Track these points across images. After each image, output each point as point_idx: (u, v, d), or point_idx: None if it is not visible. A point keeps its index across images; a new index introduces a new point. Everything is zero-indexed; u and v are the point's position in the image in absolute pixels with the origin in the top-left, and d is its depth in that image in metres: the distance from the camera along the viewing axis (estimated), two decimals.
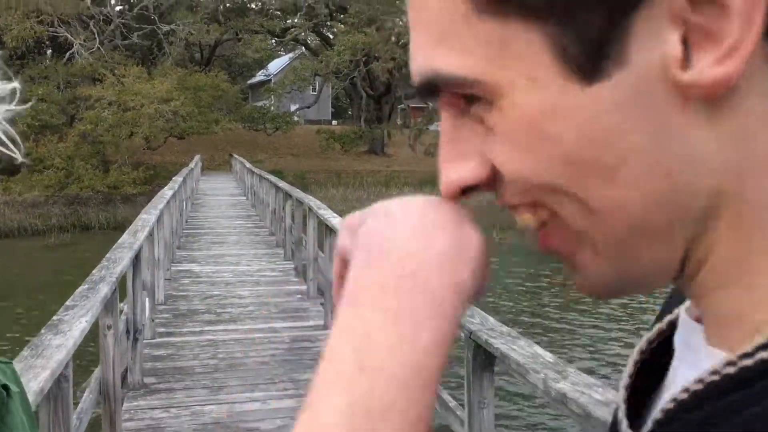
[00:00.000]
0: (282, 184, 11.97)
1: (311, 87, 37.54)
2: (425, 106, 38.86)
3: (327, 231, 6.84)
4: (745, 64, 0.31)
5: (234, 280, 9.17)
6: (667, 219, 0.34)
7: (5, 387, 0.95)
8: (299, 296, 8.29)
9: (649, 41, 0.31)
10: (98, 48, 29.83)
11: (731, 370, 0.33)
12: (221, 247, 11.89)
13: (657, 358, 0.44)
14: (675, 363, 0.41)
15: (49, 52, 34.97)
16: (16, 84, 1.01)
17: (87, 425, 3.44)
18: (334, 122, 45.35)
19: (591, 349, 9.28)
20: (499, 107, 0.34)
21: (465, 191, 0.38)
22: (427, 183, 28.63)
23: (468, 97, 0.35)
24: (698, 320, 0.41)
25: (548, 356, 2.34)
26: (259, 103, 37.71)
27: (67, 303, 3.12)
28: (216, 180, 26.80)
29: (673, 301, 0.46)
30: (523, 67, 0.33)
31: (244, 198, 20.27)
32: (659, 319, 0.47)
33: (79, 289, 3.44)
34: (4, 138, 0.96)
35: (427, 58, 0.35)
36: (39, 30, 28.10)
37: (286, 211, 10.61)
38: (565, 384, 2.06)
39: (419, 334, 0.35)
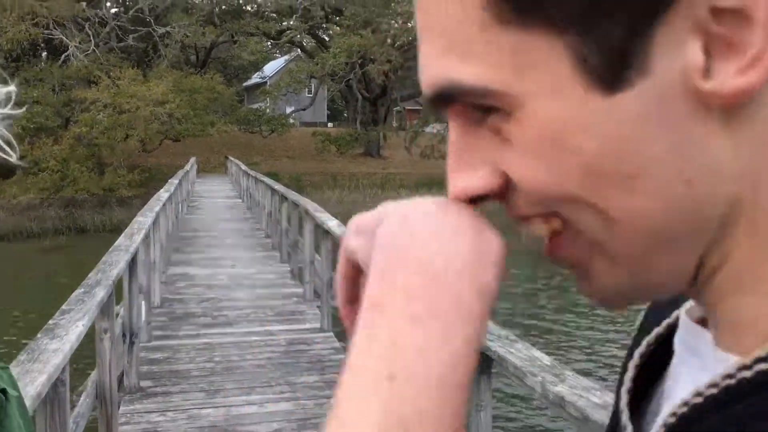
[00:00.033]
0: (278, 186, 11.96)
1: (307, 89, 37.52)
2: (421, 108, 38.88)
3: (323, 234, 6.83)
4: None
5: (230, 283, 9.15)
6: (686, 227, 0.34)
7: (3, 391, 0.95)
8: (295, 299, 8.28)
9: (671, 51, 0.31)
10: (93, 50, 29.76)
11: (731, 381, 0.33)
12: (217, 250, 11.87)
13: (654, 359, 0.44)
14: (675, 365, 0.42)
15: (44, 54, 34.89)
16: (12, 87, 1.01)
17: (83, 429, 3.43)
18: (330, 124, 45.35)
19: (588, 351, 9.30)
20: (518, 118, 0.34)
21: (473, 201, 0.38)
22: (423, 185, 28.64)
23: (483, 108, 0.35)
24: (699, 322, 0.41)
25: (546, 359, 2.34)
26: (255, 106, 37.68)
27: (64, 307, 3.11)
28: (211, 182, 26.77)
29: (656, 310, 0.46)
30: (544, 77, 0.32)
31: (240, 200, 20.25)
32: (643, 329, 0.48)
33: (76, 292, 3.43)
34: (0, 142, 0.96)
35: (443, 68, 0.35)
36: (34, 32, 28.02)
37: (282, 213, 10.60)
38: (563, 387, 2.07)
39: (448, 340, 0.34)
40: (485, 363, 2.59)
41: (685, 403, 0.35)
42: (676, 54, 0.31)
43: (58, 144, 26.58)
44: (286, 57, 41.75)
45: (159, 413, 4.84)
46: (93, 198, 24.98)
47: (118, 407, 4.48)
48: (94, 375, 3.93)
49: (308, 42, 39.24)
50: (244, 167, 20.93)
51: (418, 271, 0.35)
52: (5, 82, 1.02)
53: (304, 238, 8.26)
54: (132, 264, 5.15)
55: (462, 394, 0.35)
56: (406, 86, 37.76)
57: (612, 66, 0.32)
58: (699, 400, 0.35)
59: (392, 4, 32.76)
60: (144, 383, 5.34)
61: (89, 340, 3.35)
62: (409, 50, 33.00)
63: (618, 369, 0.49)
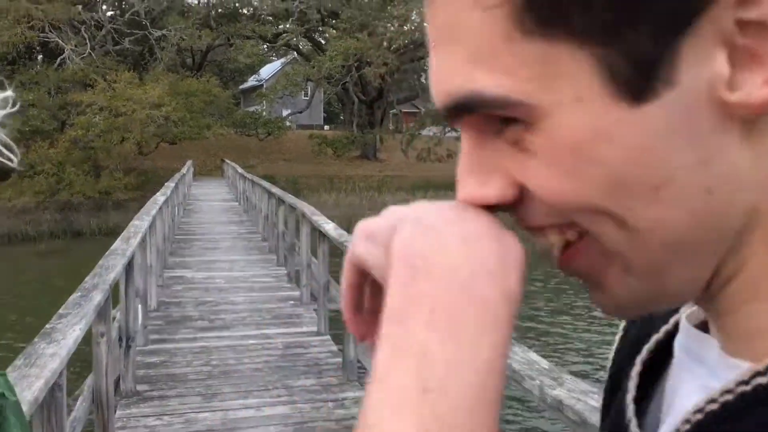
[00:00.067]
0: (275, 189, 11.96)
1: (303, 92, 37.54)
2: (417, 111, 38.92)
3: (320, 237, 6.83)
4: None
5: (227, 286, 9.14)
6: (705, 237, 0.34)
7: (1, 396, 0.95)
8: (292, 302, 8.27)
9: (697, 62, 0.32)
10: (89, 53, 29.74)
11: (745, 388, 0.34)
12: (214, 253, 11.86)
13: (652, 362, 0.45)
14: (676, 369, 0.42)
15: (39, 57, 34.83)
16: (10, 93, 1.01)
17: None
18: (327, 127, 45.36)
19: (585, 353, 9.31)
20: (542, 128, 0.33)
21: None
22: (420, 188, 28.66)
23: (502, 119, 0.35)
24: (697, 327, 0.41)
25: (544, 363, 2.34)
26: (251, 109, 37.67)
27: (60, 311, 3.10)
28: (208, 185, 26.74)
29: (642, 319, 0.46)
30: (569, 88, 0.32)
31: (237, 203, 20.24)
32: (627, 337, 0.48)
33: (72, 296, 3.42)
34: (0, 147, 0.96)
35: (464, 78, 0.34)
36: (30, 35, 27.98)
37: (279, 216, 10.59)
38: (561, 391, 2.07)
39: (478, 348, 0.34)
40: None
41: (700, 410, 0.36)
42: (702, 65, 0.32)
43: (53, 147, 26.53)
44: (283, 60, 41.76)
45: (155, 417, 4.83)
46: (89, 201, 24.93)
47: (115, 411, 4.46)
48: (90, 379, 3.92)
49: (304, 45, 39.26)
50: (240, 170, 20.92)
51: (442, 280, 0.34)
52: (3, 87, 1.02)
53: (301, 241, 8.25)
54: (129, 268, 5.14)
55: (496, 403, 0.34)
56: (403, 89, 37.81)
57: (639, 77, 0.32)
58: (714, 407, 0.35)
59: (388, 8, 32.80)
60: (140, 387, 5.33)
61: (85, 343, 3.34)
62: (405, 53, 33.05)
63: None
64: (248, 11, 37.90)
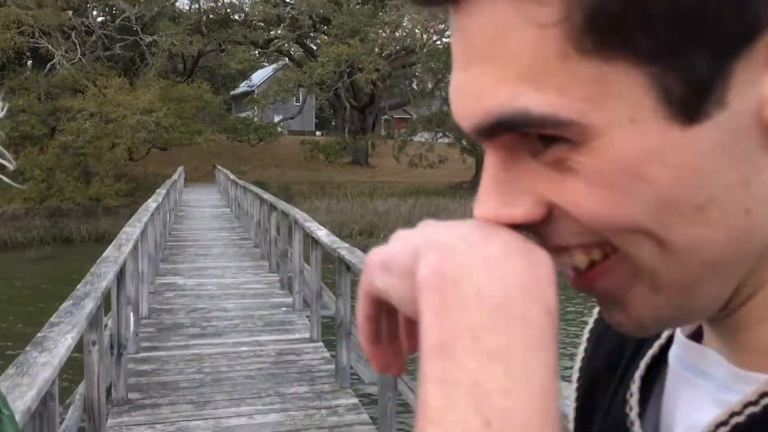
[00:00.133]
0: (267, 195, 11.94)
1: (295, 98, 37.54)
2: (409, 117, 39.00)
3: (313, 243, 6.82)
4: None
5: (219, 293, 9.11)
6: (738, 256, 0.35)
7: None
8: (285, 309, 8.25)
9: (747, 85, 0.32)
10: (80, 59, 29.63)
11: (755, 409, 0.35)
12: (205, 260, 11.82)
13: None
14: (672, 383, 0.42)
15: (29, 63, 34.69)
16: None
17: None
18: (318, 133, 45.38)
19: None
20: (592, 148, 0.33)
21: None
22: (412, 194, 28.69)
23: (544, 138, 0.34)
24: (691, 338, 0.42)
25: None
26: (243, 114, 37.64)
27: (52, 319, 3.08)
28: (199, 191, 26.67)
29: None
30: (623, 107, 0.32)
31: (228, 210, 20.19)
32: (599, 345, 0.49)
33: (64, 304, 3.40)
34: None
35: (509, 96, 0.34)
36: (19, 41, 27.85)
37: (271, 222, 10.58)
38: None
39: (531, 371, 0.32)
40: None
41: (723, 423, 0.36)
42: (751, 87, 0.32)
43: (43, 153, 26.40)
44: (274, 66, 41.76)
45: (147, 425, 4.80)
46: (78, 207, 24.80)
47: (106, 420, 4.43)
48: (81, 388, 3.89)
49: (296, 51, 39.29)
50: (232, 176, 20.87)
51: (479, 304, 0.33)
52: None
53: (294, 247, 8.24)
54: (120, 275, 5.12)
55: (558, 423, 0.33)
56: (394, 95, 37.89)
57: (693, 98, 0.32)
58: (740, 419, 0.36)
59: (380, 14, 32.90)
60: (132, 395, 5.29)
61: (76, 351, 3.32)
62: (396, 59, 33.14)
63: None
64: (239, 17, 37.92)
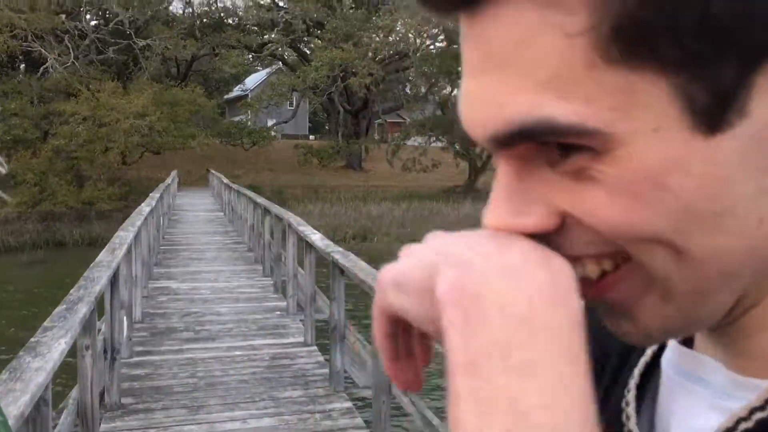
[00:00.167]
0: (260, 199, 11.93)
1: (288, 102, 37.55)
2: (402, 121, 39.05)
3: (307, 247, 6.82)
4: None
5: (212, 297, 9.09)
6: (749, 265, 0.35)
7: None
8: (278, 313, 8.24)
9: (766, 94, 0.32)
10: (73, 63, 29.56)
11: (762, 415, 0.35)
12: (199, 264, 11.79)
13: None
14: (666, 389, 0.43)
15: (22, 66, 34.58)
16: None
17: None
18: (312, 137, 45.37)
19: None
20: (616, 157, 0.33)
21: None
22: (405, 198, 28.71)
23: (563, 147, 0.34)
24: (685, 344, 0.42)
25: None
26: (236, 118, 37.61)
27: (46, 324, 3.07)
28: (193, 195, 26.61)
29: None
30: (648, 117, 0.32)
31: (222, 214, 20.15)
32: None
33: (58, 309, 3.39)
34: None
35: (531, 104, 0.33)
36: (12, 45, 27.77)
37: (265, 226, 10.57)
38: None
39: (565, 382, 0.32)
40: None
41: (730, 429, 0.37)
42: None
43: (36, 157, 26.30)
44: (268, 70, 41.79)
45: (141, 430, 4.78)
46: (71, 211, 24.72)
47: (100, 425, 4.42)
48: (74, 393, 3.88)
49: (290, 55, 39.30)
50: (225, 180, 20.84)
51: (503, 318, 0.32)
52: None
53: (287, 251, 8.23)
54: (114, 279, 5.10)
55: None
56: (388, 99, 37.94)
57: (717, 107, 0.32)
58: (749, 425, 0.36)
59: (373, 18, 32.96)
60: (125, 400, 5.28)
61: (69, 355, 3.31)
62: (390, 64, 33.20)
63: None
64: (233, 21, 37.92)
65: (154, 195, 13.09)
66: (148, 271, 9.66)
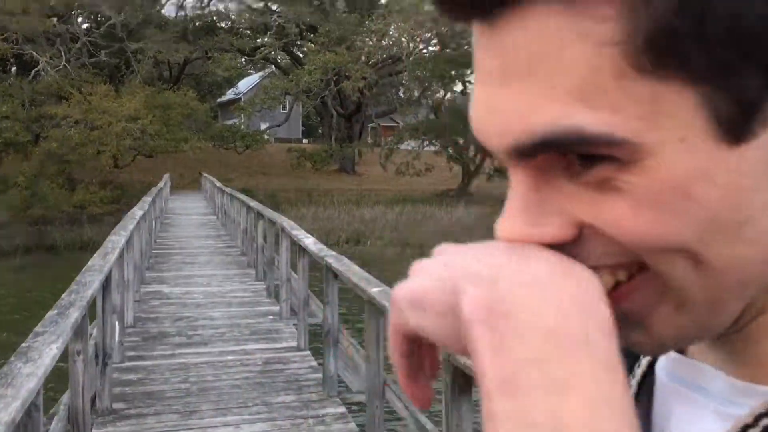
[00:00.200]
0: (253, 203, 11.91)
1: (281, 105, 37.53)
2: (395, 124, 39.09)
3: (300, 251, 6.81)
4: None
5: (205, 302, 9.05)
6: (764, 274, 0.35)
7: None
8: (271, 317, 8.21)
9: None
10: (65, 66, 29.46)
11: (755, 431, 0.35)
12: (191, 268, 11.75)
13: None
14: (661, 396, 0.43)
15: (13, 69, 34.44)
16: None
17: None
18: (305, 141, 45.36)
19: None
20: (643, 168, 0.33)
21: None
22: (398, 202, 28.72)
23: (585, 158, 0.34)
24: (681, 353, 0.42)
25: None
26: (229, 122, 37.56)
27: (37, 329, 3.05)
28: (185, 199, 26.54)
29: None
30: (674, 126, 0.32)
31: (215, 217, 20.10)
32: None
33: (49, 314, 3.37)
34: None
35: (558, 114, 0.33)
36: (3, 48, 27.68)
37: (258, 230, 10.54)
38: None
39: (606, 395, 0.31)
40: (466, 383, 2.59)
41: None
42: None
43: (27, 160, 26.18)
44: (261, 73, 41.78)
45: None
46: (63, 215, 24.60)
47: (91, 430, 4.38)
48: (65, 398, 3.85)
49: (283, 59, 39.30)
50: (218, 184, 20.79)
51: (536, 333, 0.31)
52: None
53: (281, 255, 8.21)
54: (106, 284, 5.07)
55: None
56: (381, 103, 37.98)
57: (741, 117, 0.32)
58: (756, 431, 0.36)
59: (366, 22, 33.01)
60: (117, 405, 5.24)
61: (61, 360, 3.28)
62: (383, 67, 33.24)
63: None
64: (226, 25, 37.88)
65: (147, 199, 13.04)
66: (140, 276, 9.61)
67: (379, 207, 27.30)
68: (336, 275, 5.30)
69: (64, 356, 3.61)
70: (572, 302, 0.32)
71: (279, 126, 39.18)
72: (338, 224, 24.11)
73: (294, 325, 7.44)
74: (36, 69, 29.27)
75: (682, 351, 0.42)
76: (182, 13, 37.39)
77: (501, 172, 29.58)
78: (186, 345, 7.02)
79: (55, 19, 29.85)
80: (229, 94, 45.41)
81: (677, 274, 0.34)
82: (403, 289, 0.36)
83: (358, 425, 4.97)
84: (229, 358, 6.56)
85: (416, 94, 36.41)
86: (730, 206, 0.33)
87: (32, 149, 26.95)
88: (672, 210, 0.33)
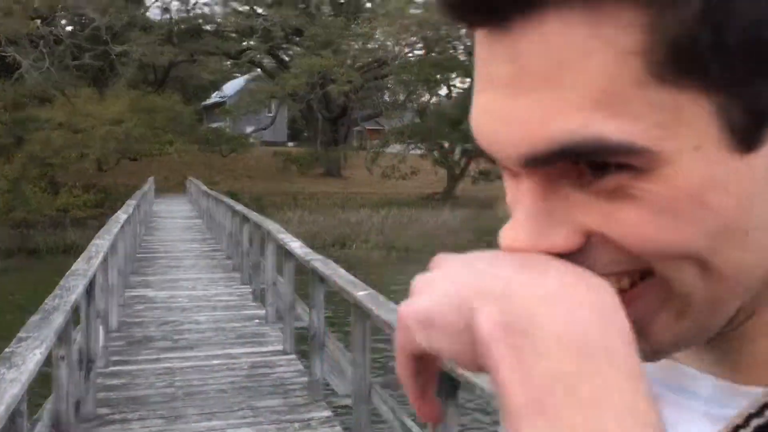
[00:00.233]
0: (239, 207, 11.87)
1: (267, 109, 37.42)
2: (381, 128, 39.12)
3: (286, 255, 6.79)
4: None
5: (190, 306, 9.01)
6: (765, 277, 0.35)
7: None
8: (257, 321, 8.19)
9: None
10: (48, 68, 29.19)
11: (761, 421, 0.35)
12: (176, 272, 11.69)
13: None
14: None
15: None
16: None
17: None
18: (291, 144, 45.23)
19: None
20: (660, 176, 0.33)
21: None
22: (384, 205, 28.73)
23: (598, 166, 0.33)
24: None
25: None
26: (215, 125, 37.39)
27: (20, 334, 3.03)
28: (170, 202, 26.37)
29: None
30: (690, 135, 0.32)
31: (200, 221, 20.00)
32: None
33: (32, 318, 3.34)
34: None
35: (579, 122, 0.32)
36: None
37: (244, 234, 10.50)
38: None
39: (635, 406, 0.30)
40: (452, 387, 2.60)
41: None
42: None
43: (10, 163, 25.92)
44: (246, 77, 41.61)
45: None
46: (46, 218, 24.36)
47: None
48: (49, 403, 3.82)
49: (268, 62, 39.19)
50: (203, 187, 20.71)
51: (558, 348, 0.31)
52: None
53: (266, 259, 8.19)
54: (90, 288, 5.04)
55: None
56: (366, 106, 38.01)
57: (753, 126, 0.33)
58: None
59: (352, 26, 33.04)
60: (101, 410, 5.21)
61: (45, 364, 3.26)
62: (369, 71, 33.26)
63: None
64: (211, 27, 37.72)
65: (131, 202, 12.96)
66: (124, 280, 9.55)
67: (364, 210, 27.28)
68: (322, 279, 5.29)
69: (48, 361, 3.59)
70: (592, 314, 0.31)
71: (264, 129, 39.06)
72: (324, 227, 24.06)
73: (280, 328, 7.43)
74: (19, 71, 28.96)
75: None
76: (167, 15, 37.21)
77: (486, 176, 29.70)
78: (171, 349, 6.98)
79: (38, 21, 29.54)
80: (215, 97, 45.19)
81: (684, 280, 0.34)
82: (410, 308, 0.35)
83: (344, 429, 4.96)
84: (215, 362, 6.54)
85: (402, 97, 36.46)
86: (741, 214, 0.33)
87: (14, 152, 26.67)
88: (686, 218, 0.33)
